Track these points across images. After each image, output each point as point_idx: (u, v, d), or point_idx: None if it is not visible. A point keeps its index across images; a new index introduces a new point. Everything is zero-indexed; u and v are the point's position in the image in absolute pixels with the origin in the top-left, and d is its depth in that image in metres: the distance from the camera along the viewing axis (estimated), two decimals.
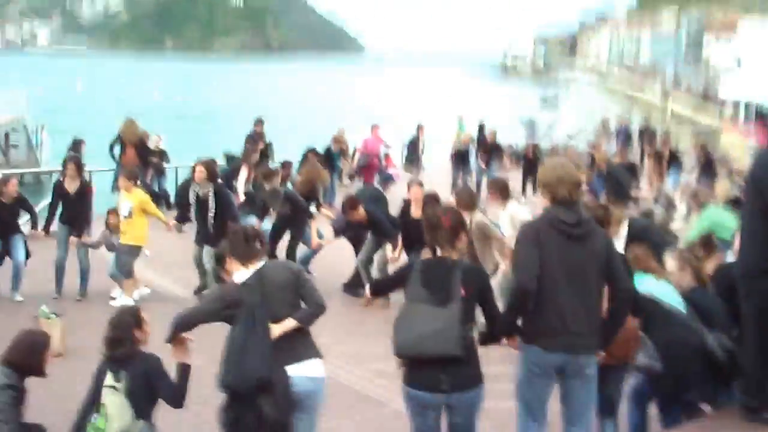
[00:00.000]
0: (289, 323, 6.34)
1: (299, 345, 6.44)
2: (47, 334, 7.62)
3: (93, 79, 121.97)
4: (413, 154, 24.37)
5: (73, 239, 13.02)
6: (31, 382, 8.51)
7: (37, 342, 7.16)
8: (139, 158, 20.36)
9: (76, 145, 21.58)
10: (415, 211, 12.40)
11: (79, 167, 13.55)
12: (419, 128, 24.46)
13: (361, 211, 12.91)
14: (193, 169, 13.44)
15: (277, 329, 6.29)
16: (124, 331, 6.65)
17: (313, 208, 14.73)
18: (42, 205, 17.74)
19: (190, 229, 14.41)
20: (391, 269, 12.31)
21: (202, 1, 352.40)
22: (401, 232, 12.71)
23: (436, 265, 6.20)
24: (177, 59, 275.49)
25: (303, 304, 6.50)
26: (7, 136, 36.26)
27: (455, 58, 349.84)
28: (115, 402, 6.40)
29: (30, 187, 24.12)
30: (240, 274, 6.49)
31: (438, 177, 23.93)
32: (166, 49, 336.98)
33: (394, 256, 12.80)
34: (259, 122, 22.03)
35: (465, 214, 11.51)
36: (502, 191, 11.89)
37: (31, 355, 7.01)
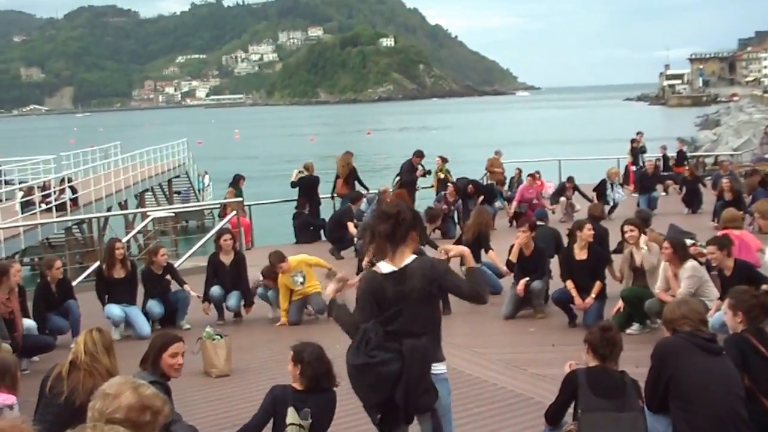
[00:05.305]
0: None
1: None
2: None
3: (250, 129, 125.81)
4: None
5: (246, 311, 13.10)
6: (200, 401, 8.73)
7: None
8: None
9: (236, 181, 22.27)
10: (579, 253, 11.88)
11: (234, 240, 13.57)
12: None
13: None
14: None
15: None
16: (328, 366, 6.43)
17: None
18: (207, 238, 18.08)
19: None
20: None
21: (354, 50, 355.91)
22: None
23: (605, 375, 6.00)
24: (330, 106, 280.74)
25: None
26: (170, 182, 37.76)
27: (611, 89, 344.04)
28: None
29: (194, 232, 24.52)
30: None
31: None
32: (318, 97, 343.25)
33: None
34: (419, 154, 21.77)
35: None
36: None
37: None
